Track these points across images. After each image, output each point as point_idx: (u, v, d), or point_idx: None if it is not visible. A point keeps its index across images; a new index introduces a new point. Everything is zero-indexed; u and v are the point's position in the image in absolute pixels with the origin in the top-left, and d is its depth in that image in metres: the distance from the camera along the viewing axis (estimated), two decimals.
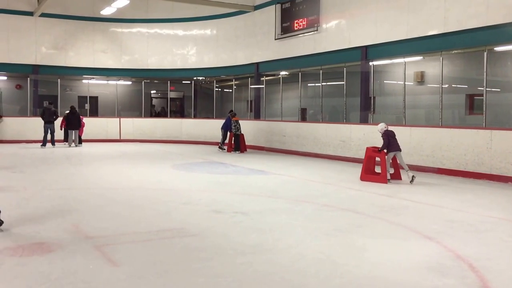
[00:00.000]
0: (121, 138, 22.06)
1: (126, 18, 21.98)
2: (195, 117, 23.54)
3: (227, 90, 24.64)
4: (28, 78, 21.31)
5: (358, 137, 13.95)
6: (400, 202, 7.94)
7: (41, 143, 17.97)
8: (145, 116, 23.47)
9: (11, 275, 4.25)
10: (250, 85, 20.66)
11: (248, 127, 18.86)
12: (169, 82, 23.57)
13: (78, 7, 21.59)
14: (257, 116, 19.82)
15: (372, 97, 14.89)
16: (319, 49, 16.07)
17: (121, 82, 23.94)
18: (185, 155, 16.28)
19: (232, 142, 17.12)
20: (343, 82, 15.70)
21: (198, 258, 4.82)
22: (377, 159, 10.48)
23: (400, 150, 10.08)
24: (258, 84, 19.80)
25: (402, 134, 12.64)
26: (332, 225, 6.30)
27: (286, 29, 17.47)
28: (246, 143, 17.84)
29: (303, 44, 16.75)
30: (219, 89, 24.60)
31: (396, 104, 15.20)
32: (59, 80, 21.97)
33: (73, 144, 18.72)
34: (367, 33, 14.17)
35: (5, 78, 22.40)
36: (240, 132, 17.05)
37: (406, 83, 13.74)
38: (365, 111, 14.67)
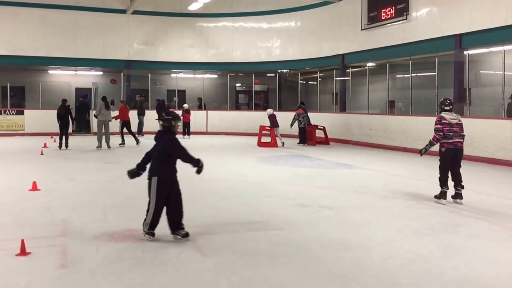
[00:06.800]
0: (208, 130, 22.62)
1: (212, 12, 22.45)
2: (279, 109, 23.55)
3: (312, 83, 24.38)
4: (122, 73, 22.50)
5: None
6: (503, 202, 7.38)
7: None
8: (231, 109, 23.88)
9: (109, 260, 4.48)
10: (335, 77, 20.28)
11: (333, 120, 18.54)
12: (253, 75, 23.79)
13: (167, 3, 22.38)
14: (342, 109, 19.41)
15: (467, 88, 13.99)
16: (408, 38, 15.38)
17: (207, 75, 24.54)
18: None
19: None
20: (434, 73, 14.94)
21: (284, 252, 4.78)
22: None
23: (278, 126, 16.20)
24: (344, 76, 19.37)
25: (500, 128, 11.81)
26: (424, 223, 5.99)
27: (373, 18, 16.90)
28: (331, 136, 17.50)
29: (391, 34, 16.11)
30: (304, 82, 24.38)
31: (495, 95, 14.16)
32: (149, 74, 22.98)
33: None
34: (462, 20, 13.31)
35: (100, 73, 23.81)
36: (304, 125, 16.63)
37: (505, 73, 12.76)
38: (459, 103, 13.81)
